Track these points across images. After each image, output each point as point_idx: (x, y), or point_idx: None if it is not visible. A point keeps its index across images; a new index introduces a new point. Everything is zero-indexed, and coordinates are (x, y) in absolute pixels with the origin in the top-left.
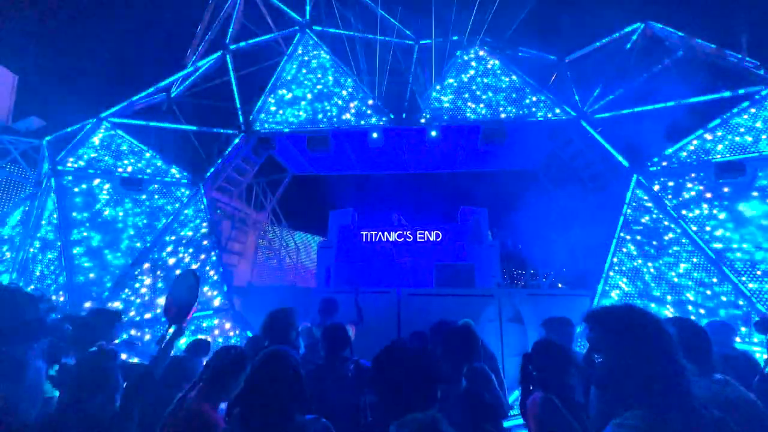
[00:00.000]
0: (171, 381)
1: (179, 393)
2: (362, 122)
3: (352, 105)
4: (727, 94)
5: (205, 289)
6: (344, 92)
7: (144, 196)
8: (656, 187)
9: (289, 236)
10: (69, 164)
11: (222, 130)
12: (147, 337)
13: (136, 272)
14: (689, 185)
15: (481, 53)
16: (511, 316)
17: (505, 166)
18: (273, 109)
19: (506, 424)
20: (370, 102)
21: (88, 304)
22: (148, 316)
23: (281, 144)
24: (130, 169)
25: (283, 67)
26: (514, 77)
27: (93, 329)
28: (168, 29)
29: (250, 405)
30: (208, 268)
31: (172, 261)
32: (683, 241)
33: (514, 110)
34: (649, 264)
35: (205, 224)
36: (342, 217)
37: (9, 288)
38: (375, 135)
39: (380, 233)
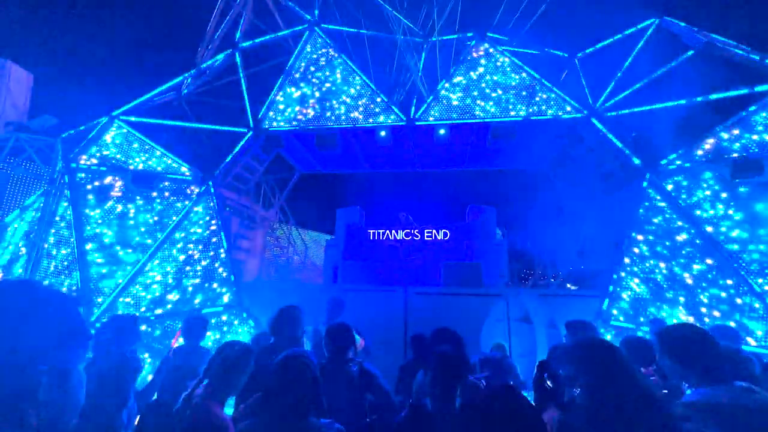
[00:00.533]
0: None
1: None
2: (370, 120)
3: (360, 103)
4: (744, 91)
5: (214, 285)
6: (352, 90)
7: (155, 194)
8: (669, 187)
9: (296, 234)
10: (82, 162)
11: (231, 128)
12: (158, 332)
13: (147, 268)
14: (704, 184)
15: (491, 50)
16: (519, 315)
17: (515, 164)
18: (282, 107)
19: None
20: (379, 100)
21: (99, 300)
22: (158, 311)
23: (289, 142)
24: (141, 166)
25: (292, 65)
26: (524, 74)
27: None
28: (178, 28)
29: (269, 406)
30: (217, 264)
31: (182, 258)
32: (697, 241)
33: (523, 108)
34: (662, 265)
35: (214, 221)
36: (349, 215)
37: (56, 292)
38: (383, 133)
39: (388, 231)
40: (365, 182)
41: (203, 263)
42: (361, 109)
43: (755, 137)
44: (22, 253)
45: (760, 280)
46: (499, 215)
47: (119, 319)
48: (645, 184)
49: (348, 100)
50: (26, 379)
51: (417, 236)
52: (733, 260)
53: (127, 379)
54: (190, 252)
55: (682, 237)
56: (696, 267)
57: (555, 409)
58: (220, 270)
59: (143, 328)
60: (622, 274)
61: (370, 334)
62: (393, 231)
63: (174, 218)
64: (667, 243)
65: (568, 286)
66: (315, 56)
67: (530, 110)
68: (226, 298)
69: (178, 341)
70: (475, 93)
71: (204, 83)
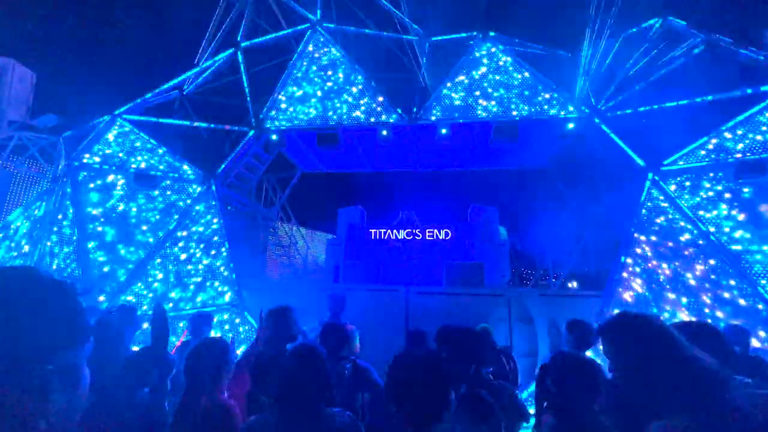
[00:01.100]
0: None
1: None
2: (372, 119)
3: (362, 102)
4: (748, 91)
5: (216, 283)
6: (354, 89)
7: (157, 192)
8: (672, 187)
9: (298, 233)
10: (85, 160)
11: (233, 127)
12: None
13: (149, 267)
14: (707, 185)
15: (493, 50)
16: (521, 316)
17: (517, 164)
18: (283, 106)
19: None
20: (381, 99)
21: (102, 298)
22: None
23: (291, 141)
24: (143, 165)
25: (293, 64)
26: (526, 74)
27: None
28: (181, 27)
29: (284, 397)
30: (218, 263)
31: (183, 256)
32: (700, 242)
33: (526, 108)
34: (664, 265)
35: (215, 220)
36: (351, 215)
37: (58, 282)
38: (385, 132)
39: (389, 231)
40: (367, 182)
41: (205, 262)
42: (362, 108)
43: (759, 137)
44: (24, 251)
45: (764, 281)
46: (501, 215)
47: (121, 310)
48: (647, 184)
49: (350, 99)
50: (34, 379)
51: (419, 236)
52: (737, 261)
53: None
54: (191, 251)
55: (684, 237)
56: (699, 268)
57: (550, 414)
58: (222, 269)
59: (145, 326)
60: (624, 274)
61: (371, 333)
62: (394, 230)
63: (176, 217)
64: (670, 244)
65: (570, 285)
66: (317, 55)
67: (532, 110)
68: (227, 297)
69: (184, 339)
70: (477, 92)
71: (206, 82)
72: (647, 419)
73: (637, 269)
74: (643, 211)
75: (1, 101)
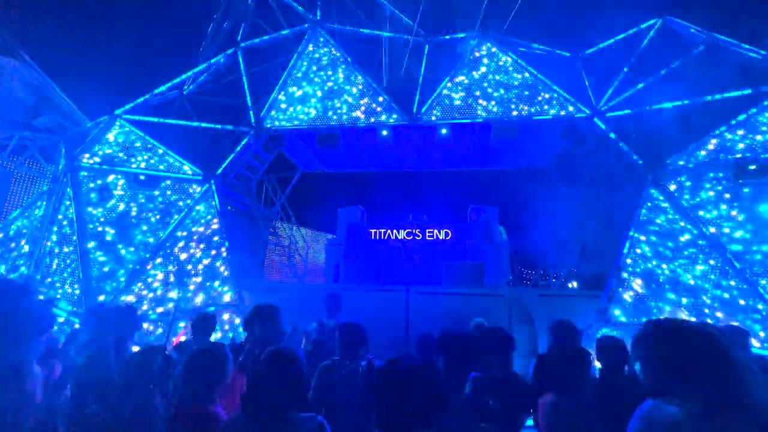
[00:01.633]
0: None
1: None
2: (372, 120)
3: (362, 102)
4: (748, 91)
5: (216, 284)
6: (354, 90)
7: (157, 192)
8: (672, 187)
9: (298, 233)
10: (85, 160)
11: (233, 127)
12: (159, 330)
13: (149, 267)
14: (707, 185)
15: (493, 50)
16: (521, 316)
17: (517, 164)
18: (283, 106)
19: None
20: (381, 99)
21: (101, 298)
22: (160, 310)
23: (291, 141)
24: (143, 165)
25: (293, 64)
26: (526, 74)
27: (113, 324)
28: (181, 27)
29: (252, 400)
30: (218, 263)
31: (183, 256)
32: (700, 242)
33: (526, 108)
34: (664, 266)
35: (216, 220)
36: (351, 215)
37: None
38: (385, 132)
39: (389, 231)
40: (367, 182)
41: (205, 262)
42: (362, 108)
43: (759, 138)
44: (24, 251)
45: (763, 282)
46: (500, 215)
47: (118, 310)
48: (647, 184)
49: (350, 99)
50: None
51: (419, 236)
52: (737, 261)
53: (156, 368)
54: (191, 251)
55: (684, 238)
56: (699, 268)
57: (552, 393)
58: (222, 269)
59: (145, 326)
60: (624, 274)
61: (372, 333)
62: (394, 230)
63: (176, 217)
64: (670, 244)
65: (570, 285)
66: (317, 55)
67: (532, 110)
68: (227, 297)
69: (180, 339)
70: (478, 92)
71: (206, 82)
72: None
73: (637, 269)
74: (643, 211)
75: (1, 101)
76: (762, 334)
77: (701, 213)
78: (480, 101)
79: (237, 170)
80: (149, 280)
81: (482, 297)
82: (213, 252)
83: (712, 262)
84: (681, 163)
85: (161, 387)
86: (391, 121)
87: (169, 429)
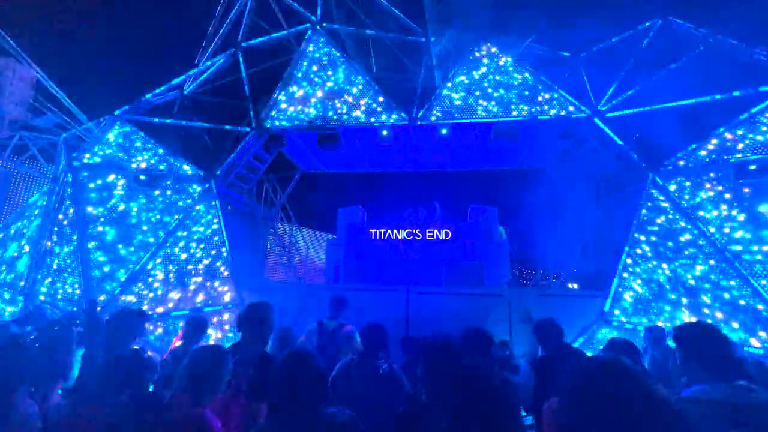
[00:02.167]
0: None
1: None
2: (372, 120)
3: (362, 102)
4: (748, 91)
5: (216, 284)
6: (355, 90)
7: (157, 192)
8: (672, 187)
9: (298, 233)
10: (85, 160)
11: (233, 127)
12: (159, 330)
13: (149, 267)
14: (707, 185)
15: (493, 50)
16: (521, 316)
17: (517, 164)
18: (284, 106)
19: None
20: (381, 99)
21: (102, 298)
22: (160, 310)
23: (291, 141)
24: (143, 165)
25: (294, 64)
26: (526, 74)
27: (120, 329)
28: (181, 27)
29: (284, 404)
30: (218, 263)
31: (184, 256)
32: (700, 242)
33: (526, 108)
34: (664, 266)
35: (216, 220)
36: (351, 215)
37: None
38: (385, 133)
39: (389, 231)
40: (367, 182)
41: (205, 262)
42: (363, 108)
43: (760, 138)
44: (25, 251)
45: (764, 282)
46: (500, 215)
47: (123, 314)
48: (648, 184)
49: (350, 100)
50: None
51: (419, 236)
52: (737, 261)
53: (140, 376)
54: (191, 251)
55: (684, 238)
56: (699, 268)
57: (556, 397)
58: (222, 269)
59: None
60: (625, 274)
61: None
62: (394, 230)
63: (176, 217)
64: (670, 244)
65: (570, 286)
66: (317, 55)
67: (533, 110)
68: (227, 297)
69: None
70: (478, 93)
71: (206, 82)
72: None
73: (637, 269)
74: (643, 211)
75: (2, 101)
76: (762, 334)
77: (701, 213)
78: (480, 101)
79: (237, 170)
80: (149, 280)
81: (482, 297)
82: (213, 252)
83: (712, 262)
84: (681, 163)
85: (137, 390)
86: (391, 121)
87: (156, 429)
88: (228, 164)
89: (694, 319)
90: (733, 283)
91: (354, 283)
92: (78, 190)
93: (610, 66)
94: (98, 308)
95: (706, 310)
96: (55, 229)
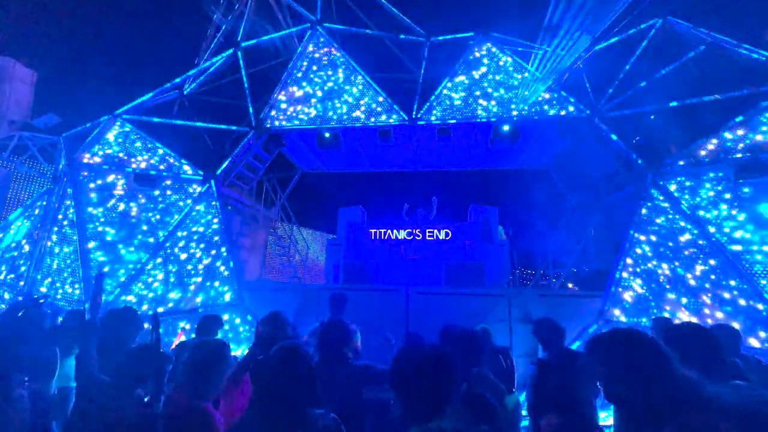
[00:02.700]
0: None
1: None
2: (372, 120)
3: (362, 102)
4: (748, 91)
5: (216, 284)
6: (355, 90)
7: (157, 192)
8: (672, 187)
9: (298, 233)
10: (85, 160)
11: (233, 127)
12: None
13: (149, 267)
14: (707, 185)
15: (493, 50)
16: (521, 316)
17: (517, 164)
18: (284, 106)
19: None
20: (381, 99)
21: (102, 298)
22: (160, 310)
23: (291, 141)
24: (143, 165)
25: (294, 64)
26: (526, 74)
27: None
28: (181, 27)
29: (265, 398)
30: (218, 263)
31: (184, 256)
32: (700, 242)
33: (526, 108)
34: (664, 266)
35: (216, 220)
36: (351, 215)
37: None
38: (385, 132)
39: (389, 231)
40: (367, 181)
41: (205, 262)
42: (363, 108)
43: (759, 137)
44: (25, 251)
45: (764, 282)
46: (501, 215)
47: (122, 313)
48: (648, 184)
49: (350, 100)
50: None
51: (419, 236)
52: (737, 261)
53: (161, 368)
54: (191, 251)
55: (685, 238)
56: (699, 268)
57: (555, 414)
58: (222, 269)
59: (146, 326)
60: (624, 274)
61: (371, 334)
62: (395, 230)
63: (176, 217)
64: (670, 244)
65: (570, 286)
66: (317, 55)
67: (533, 110)
68: (227, 297)
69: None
70: (478, 92)
71: (206, 82)
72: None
73: (637, 269)
74: (643, 211)
75: (2, 101)
76: (762, 334)
77: (701, 213)
78: (480, 101)
79: (237, 170)
80: (149, 279)
81: (482, 297)
82: (213, 252)
83: (712, 262)
84: (681, 163)
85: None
86: (391, 121)
87: (158, 422)
88: (228, 164)
89: (694, 319)
90: (733, 282)
91: (354, 283)
92: (78, 190)
93: (610, 66)
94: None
95: (706, 310)
96: (55, 229)
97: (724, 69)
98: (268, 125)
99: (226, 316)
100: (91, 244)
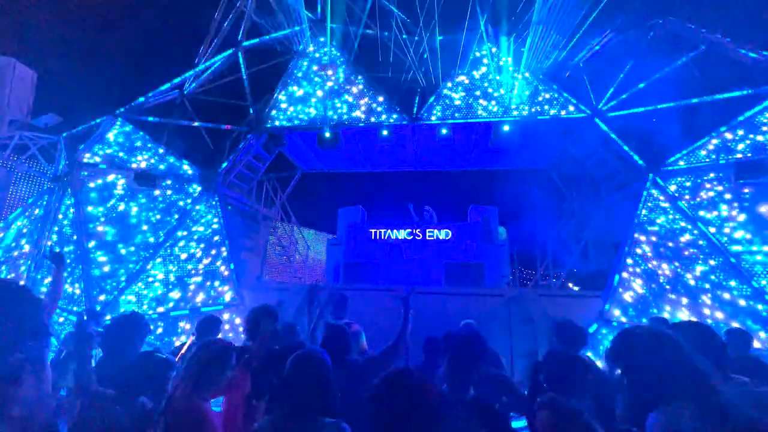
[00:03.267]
0: None
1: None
2: (372, 119)
3: (362, 102)
4: (749, 91)
5: (216, 283)
6: (354, 89)
7: (157, 192)
8: (673, 187)
9: (298, 233)
10: (85, 160)
11: (234, 127)
12: (159, 330)
13: (149, 266)
14: (707, 185)
15: (494, 50)
16: (521, 316)
17: (517, 164)
18: (284, 106)
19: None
20: (381, 99)
21: (102, 297)
22: (160, 309)
23: (292, 141)
24: (143, 164)
25: (294, 64)
26: (527, 74)
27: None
28: (181, 27)
29: (279, 401)
30: (218, 263)
31: (184, 256)
32: (700, 242)
33: (526, 108)
34: (665, 266)
35: (216, 220)
36: (351, 215)
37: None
38: (385, 132)
39: (389, 231)
40: (367, 181)
41: (205, 262)
42: (363, 108)
43: (760, 138)
44: (25, 251)
45: (764, 282)
46: (501, 215)
47: (129, 317)
48: (648, 184)
49: (350, 99)
50: (6, 367)
51: (419, 236)
52: (737, 261)
53: (163, 376)
54: (192, 250)
55: (685, 238)
56: (699, 268)
57: (547, 409)
58: (222, 268)
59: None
60: (625, 274)
61: (371, 334)
62: (395, 230)
63: (176, 216)
64: (670, 244)
65: (570, 286)
66: (317, 55)
67: (533, 110)
68: (227, 297)
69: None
70: (478, 93)
71: (207, 82)
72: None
73: (637, 269)
74: (644, 211)
75: (2, 100)
76: (762, 334)
77: (701, 213)
78: (480, 101)
79: (237, 170)
80: (149, 279)
81: (482, 297)
82: (213, 251)
83: (712, 262)
84: (681, 163)
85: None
86: (391, 120)
87: (159, 422)
88: (228, 164)
89: (694, 319)
90: (733, 283)
91: (354, 283)
92: (78, 189)
93: (611, 66)
94: (97, 312)
95: (706, 311)
96: (55, 228)
97: (724, 69)
98: (269, 125)
99: (226, 316)
100: (91, 244)
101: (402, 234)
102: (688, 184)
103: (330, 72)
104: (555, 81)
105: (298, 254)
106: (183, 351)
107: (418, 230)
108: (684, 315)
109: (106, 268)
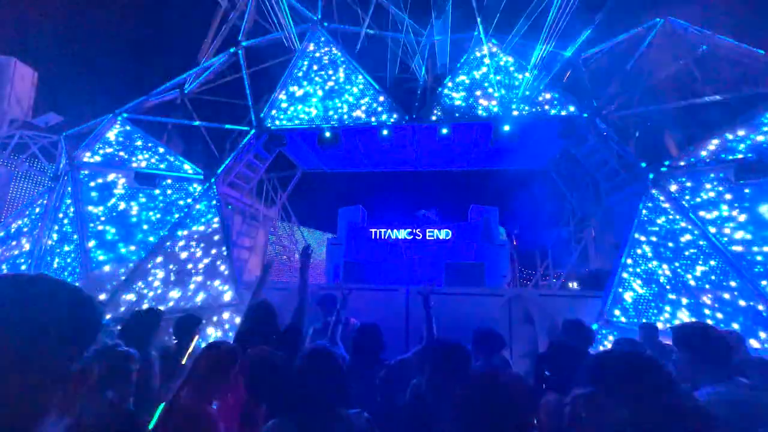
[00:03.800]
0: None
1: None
2: (373, 119)
3: (363, 102)
4: (750, 92)
5: (216, 283)
6: (355, 89)
7: (157, 191)
8: (673, 187)
9: (298, 232)
10: (85, 159)
11: (234, 126)
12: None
13: (150, 265)
14: (708, 186)
15: (494, 50)
16: (521, 316)
17: (517, 164)
18: (284, 105)
19: None
20: (381, 99)
21: (102, 297)
22: (161, 308)
23: (292, 140)
24: (144, 164)
25: (294, 63)
26: (527, 74)
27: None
28: (182, 26)
29: (297, 401)
30: (219, 262)
31: (184, 255)
32: (701, 243)
33: (527, 108)
34: (665, 266)
35: (216, 219)
36: (351, 214)
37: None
38: (385, 132)
39: (389, 231)
40: (367, 181)
41: (205, 261)
42: (363, 108)
43: (760, 138)
44: (25, 250)
45: (764, 282)
46: (501, 215)
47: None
48: (648, 184)
49: (350, 99)
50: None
51: (419, 236)
52: (737, 262)
53: (126, 370)
54: (192, 250)
55: (685, 238)
56: (699, 268)
57: (552, 393)
58: (222, 268)
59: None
60: (625, 275)
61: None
62: (395, 230)
63: (176, 216)
64: (670, 244)
65: (570, 285)
66: (318, 55)
67: (534, 110)
68: (227, 296)
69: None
70: (478, 92)
71: (207, 81)
72: None
73: (638, 269)
74: (644, 211)
75: (3, 100)
76: (762, 335)
77: (702, 213)
78: (481, 101)
79: (238, 169)
80: (150, 279)
81: (482, 297)
82: (213, 251)
83: (712, 262)
84: (681, 163)
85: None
86: (392, 120)
87: (161, 424)
88: (228, 163)
89: (694, 320)
90: (733, 283)
91: (354, 283)
92: (78, 188)
93: (611, 66)
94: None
95: (706, 311)
96: (56, 228)
97: (726, 69)
98: (269, 124)
99: (226, 316)
100: (92, 243)
101: (402, 234)
102: (688, 184)
103: (330, 72)
104: (555, 81)
105: (298, 254)
106: (190, 350)
107: (419, 230)
108: (684, 315)
109: (107, 268)
